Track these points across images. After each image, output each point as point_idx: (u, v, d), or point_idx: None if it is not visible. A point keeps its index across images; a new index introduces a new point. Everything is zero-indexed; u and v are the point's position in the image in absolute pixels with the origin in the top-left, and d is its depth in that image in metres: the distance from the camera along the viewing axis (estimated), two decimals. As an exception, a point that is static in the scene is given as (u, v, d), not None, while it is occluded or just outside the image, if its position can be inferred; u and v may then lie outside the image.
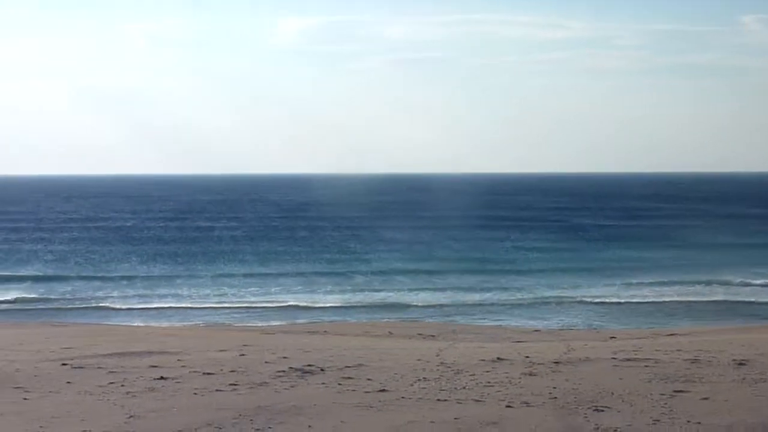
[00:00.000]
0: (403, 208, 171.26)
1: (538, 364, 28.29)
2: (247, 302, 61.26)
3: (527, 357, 29.87)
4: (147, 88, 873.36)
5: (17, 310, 57.51)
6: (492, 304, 61.78)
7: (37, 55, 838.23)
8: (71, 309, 57.81)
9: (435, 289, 66.28)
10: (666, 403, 22.23)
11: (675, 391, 23.63)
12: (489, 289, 67.26)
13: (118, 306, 59.29)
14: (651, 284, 69.84)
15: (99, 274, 73.00)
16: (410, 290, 66.28)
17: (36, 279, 69.32)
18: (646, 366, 27.52)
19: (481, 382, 25.10)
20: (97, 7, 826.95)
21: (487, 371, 26.99)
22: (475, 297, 64.30)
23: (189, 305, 60.17)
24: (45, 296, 61.78)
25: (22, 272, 72.29)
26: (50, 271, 73.80)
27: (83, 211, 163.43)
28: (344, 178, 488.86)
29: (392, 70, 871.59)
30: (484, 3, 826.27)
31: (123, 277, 71.95)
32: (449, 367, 27.92)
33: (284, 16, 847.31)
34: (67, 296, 62.84)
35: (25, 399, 23.56)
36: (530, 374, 26.45)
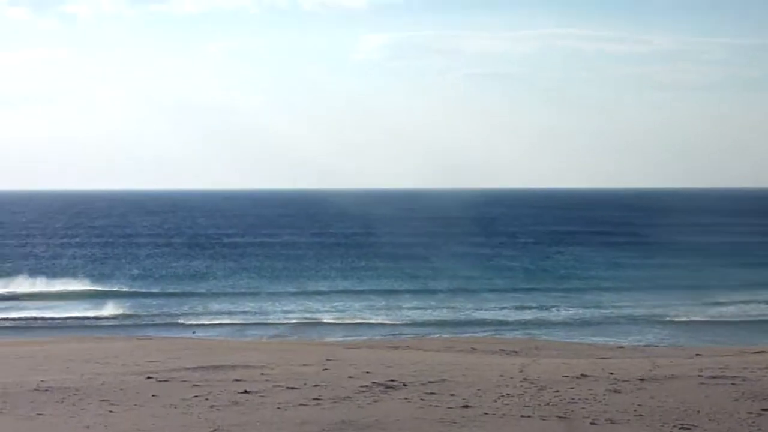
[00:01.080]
0: (481, 224, 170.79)
1: (623, 380, 28.02)
2: (329, 317, 61.40)
3: (611, 373, 29.59)
4: (229, 105, 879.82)
5: (105, 326, 58.06)
6: (575, 320, 61.36)
7: (120, 71, 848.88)
8: (157, 325, 58.25)
9: (516, 306, 65.91)
10: (754, 422, 21.89)
11: (763, 410, 23.25)
12: (571, 305, 66.82)
13: (202, 321, 59.69)
14: (737, 302, 68.93)
15: (186, 289, 73.45)
16: (492, 306, 66.03)
17: (126, 295, 69.83)
18: (734, 384, 27.13)
19: (565, 399, 24.90)
20: (180, 26, 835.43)
21: (571, 388, 26.78)
22: (558, 313, 63.91)
23: (272, 320, 60.44)
24: (134, 311, 62.27)
25: (113, 287, 72.93)
26: (139, 286, 74.42)
27: (167, 225, 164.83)
28: (426, 192, 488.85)
29: (473, 84, 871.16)
30: (564, 17, 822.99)
31: (208, 293, 72.39)
32: (533, 383, 27.75)
33: (365, 32, 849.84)
34: (154, 311, 63.37)
35: (111, 412, 23.80)
36: (615, 391, 26.20)
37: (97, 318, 60.16)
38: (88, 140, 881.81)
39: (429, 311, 64.29)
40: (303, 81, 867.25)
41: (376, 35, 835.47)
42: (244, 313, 63.20)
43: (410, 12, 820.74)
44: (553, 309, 65.44)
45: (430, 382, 27.99)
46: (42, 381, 28.38)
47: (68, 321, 59.48)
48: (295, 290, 73.93)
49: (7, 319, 59.13)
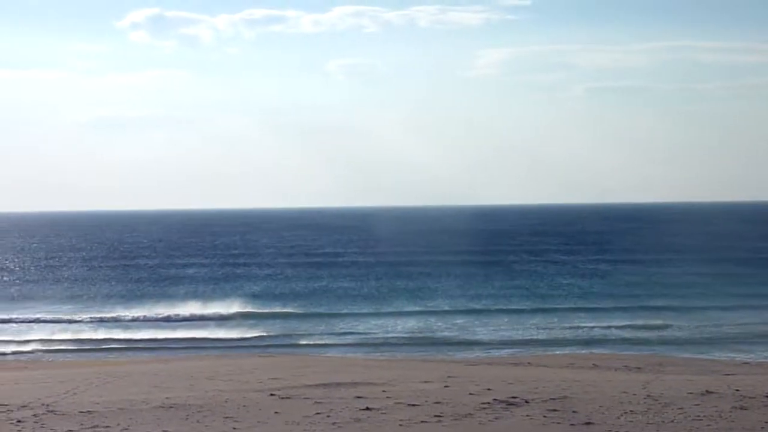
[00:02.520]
0: (602, 240, 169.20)
1: (749, 397, 27.54)
2: (449, 334, 61.29)
3: (737, 390, 29.10)
4: (346, 123, 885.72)
5: (230, 346, 58.41)
6: (698, 337, 60.42)
7: (240, 92, 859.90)
8: (280, 345, 58.41)
9: (637, 323, 65.02)
10: None
11: None
12: (695, 321, 65.80)
13: (324, 340, 59.84)
14: None
15: (308, 308, 73.55)
16: (613, 323, 65.29)
17: (250, 316, 70.00)
18: None
19: (689, 416, 24.57)
20: (298, 46, 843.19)
21: (696, 404, 26.41)
22: (682, 329, 63.00)
23: (393, 337, 60.47)
24: (258, 332, 62.40)
25: (235, 308, 73.19)
26: (260, 306, 74.71)
27: (285, 244, 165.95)
28: (545, 207, 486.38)
29: (593, 98, 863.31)
30: (685, 30, 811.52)
31: (329, 312, 72.53)
32: (656, 399, 27.42)
33: (481, 48, 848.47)
34: (275, 330, 63.55)
35: (235, 429, 24.08)
36: (741, 408, 25.77)
37: (222, 339, 60.55)
38: (209, 160, 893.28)
39: (549, 328, 63.83)
40: (420, 98, 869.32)
41: (492, 51, 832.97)
42: (366, 331, 63.33)
43: (526, 27, 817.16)
44: (677, 325, 64.52)
45: (551, 398, 27.81)
46: (167, 398, 28.82)
47: (193, 341, 60.11)
48: (415, 308, 73.88)
49: (132, 339, 59.97)
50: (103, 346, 57.60)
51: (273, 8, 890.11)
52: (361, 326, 65.70)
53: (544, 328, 64.05)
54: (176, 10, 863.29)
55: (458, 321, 67.21)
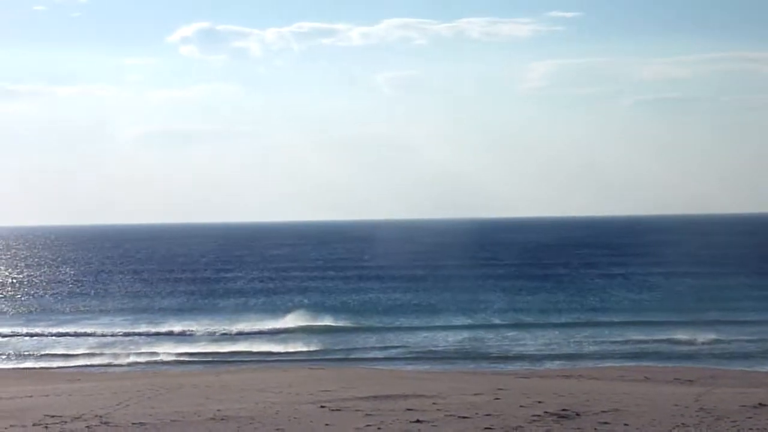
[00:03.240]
0: (652, 252, 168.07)
1: (804, 410, 27.30)
2: (498, 347, 61.06)
3: (791, 403, 28.85)
4: (396, 136, 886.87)
5: (282, 359, 58.20)
6: (751, 349, 59.90)
7: (290, 105, 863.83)
8: (334, 360, 58.06)
9: (687, 339, 64.40)
10: None
11: None
12: (747, 334, 65.23)
13: (375, 354, 59.64)
14: None
15: (361, 324, 72.70)
16: (664, 336, 64.82)
17: (301, 330, 69.28)
18: None
19: (742, 429, 24.41)
20: (347, 58, 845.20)
21: (749, 417, 26.22)
22: (734, 342, 62.49)
23: (443, 350, 60.32)
24: (310, 347, 62.02)
25: (291, 323, 72.63)
26: (311, 319, 74.11)
27: (336, 256, 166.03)
28: (594, 220, 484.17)
29: (642, 110, 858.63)
30: (734, 40, 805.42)
31: (380, 325, 72.22)
32: (709, 412, 27.25)
33: (531, 60, 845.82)
34: (328, 345, 63.27)
35: (286, 440, 24.18)
36: (795, 421, 25.55)
37: (276, 353, 60.08)
38: (261, 173, 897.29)
39: (599, 341, 63.47)
40: (468, 110, 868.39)
41: (540, 63, 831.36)
42: (416, 344, 63.16)
43: (576, 39, 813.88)
44: (727, 339, 63.96)
45: (603, 411, 27.71)
46: (218, 410, 28.98)
47: (248, 354, 59.82)
48: (465, 321, 73.67)
49: (189, 353, 59.63)
50: (157, 359, 57.64)
51: (322, 21, 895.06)
52: (411, 339, 65.56)
53: (594, 341, 63.73)
54: (226, 24, 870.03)
55: (509, 334, 67.00)
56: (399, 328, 71.09)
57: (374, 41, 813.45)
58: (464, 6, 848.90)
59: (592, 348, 61.27)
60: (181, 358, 58.09)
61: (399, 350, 61.06)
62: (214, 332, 68.73)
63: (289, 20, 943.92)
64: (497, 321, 73.74)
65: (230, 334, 68.01)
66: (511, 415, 27.16)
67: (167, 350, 60.21)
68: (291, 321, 72.75)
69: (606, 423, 25.70)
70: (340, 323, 73.08)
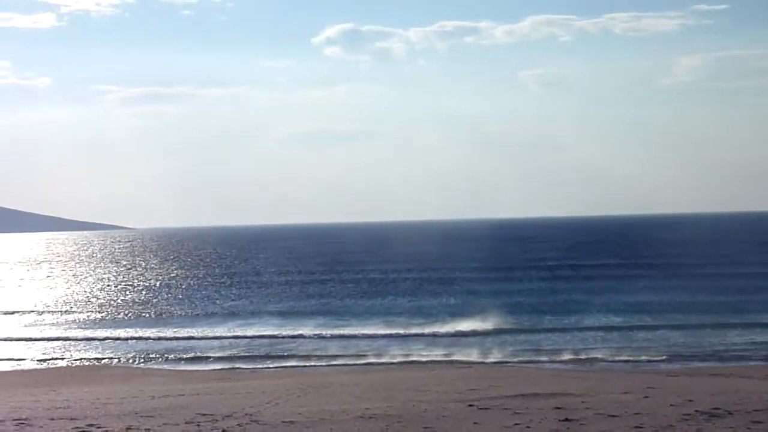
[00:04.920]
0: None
1: None
2: (647, 346, 60.18)
3: None
4: (541, 133, 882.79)
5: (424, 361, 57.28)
6: None
7: (433, 103, 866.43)
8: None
9: None
10: None
11: None
12: None
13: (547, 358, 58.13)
14: None
15: (543, 326, 70.78)
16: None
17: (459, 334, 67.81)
18: None
19: None
20: (491, 56, 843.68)
21: None
22: None
23: (590, 348, 59.61)
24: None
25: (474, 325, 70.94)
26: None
27: (509, 253, 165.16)
28: (746, 215, 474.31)
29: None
30: None
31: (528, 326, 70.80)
32: None
33: (678, 54, 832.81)
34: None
35: (435, 439, 24.21)
36: None
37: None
38: (405, 172, 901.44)
39: (751, 340, 62.16)
40: (614, 106, 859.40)
41: (689, 57, 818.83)
42: (564, 344, 62.39)
43: (724, 31, 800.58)
44: None
45: (755, 410, 27.17)
46: (366, 408, 29.18)
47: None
48: (616, 320, 72.45)
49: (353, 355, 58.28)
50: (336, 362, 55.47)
51: (465, 20, 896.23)
52: (560, 339, 64.76)
53: (746, 340, 62.45)
54: (370, 25, 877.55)
55: (659, 332, 65.99)
56: (557, 329, 69.42)
57: (518, 39, 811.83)
58: (609, 1, 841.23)
59: (744, 347, 60.03)
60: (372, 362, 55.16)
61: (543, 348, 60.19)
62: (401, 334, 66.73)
63: (432, 19, 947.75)
64: (650, 320, 72.34)
65: (427, 336, 65.83)
66: (661, 414, 26.81)
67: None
68: (481, 323, 70.90)
69: (759, 422, 25.20)
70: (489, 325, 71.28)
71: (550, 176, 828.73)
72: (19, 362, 56.41)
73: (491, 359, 54.50)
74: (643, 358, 55.25)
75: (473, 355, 55.66)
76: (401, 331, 67.85)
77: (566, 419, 26.35)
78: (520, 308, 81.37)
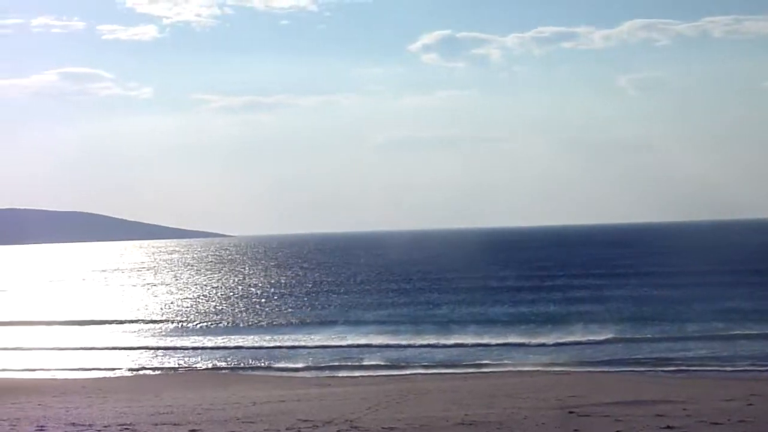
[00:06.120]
0: None
1: None
2: (749, 353, 59.18)
3: None
4: (640, 138, 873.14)
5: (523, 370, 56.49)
6: None
7: (530, 109, 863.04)
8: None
9: None
10: None
11: None
12: None
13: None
14: None
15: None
16: None
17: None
18: None
19: None
20: (588, 61, 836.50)
21: None
22: None
23: (689, 355, 58.83)
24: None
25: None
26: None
27: (625, 260, 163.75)
28: None
29: None
30: None
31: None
32: None
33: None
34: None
35: (535, 445, 24.12)
36: None
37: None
38: (504, 178, 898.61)
39: None
40: (714, 111, 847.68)
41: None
42: (666, 350, 61.52)
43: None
44: None
45: None
46: (466, 415, 29.17)
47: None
48: (719, 327, 71.11)
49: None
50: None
51: (563, 25, 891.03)
52: (661, 346, 63.83)
53: None
54: (466, 31, 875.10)
55: (762, 340, 64.83)
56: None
57: (616, 43, 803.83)
58: (707, 4, 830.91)
59: None
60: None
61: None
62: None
63: (529, 25, 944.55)
64: (752, 327, 70.98)
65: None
66: (765, 422, 26.43)
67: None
68: (580, 330, 69.51)
69: None
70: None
71: (648, 181, 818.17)
72: (121, 370, 57.27)
73: (589, 366, 54.06)
74: (746, 365, 54.42)
75: (571, 362, 55.29)
76: (499, 341, 67.41)
77: (668, 427, 26.10)
78: (620, 314, 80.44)
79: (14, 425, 29.59)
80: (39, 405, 34.91)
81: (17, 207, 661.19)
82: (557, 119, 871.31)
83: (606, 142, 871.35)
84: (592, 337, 67.27)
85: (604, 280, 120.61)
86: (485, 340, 67.14)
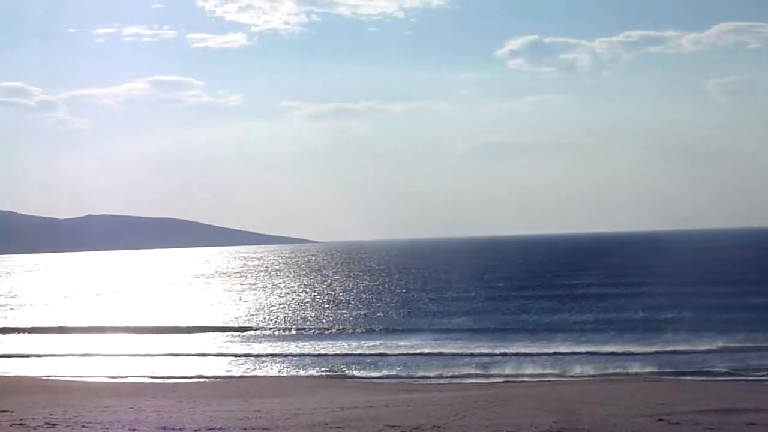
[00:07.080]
0: None
1: None
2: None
3: None
4: (730, 143, 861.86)
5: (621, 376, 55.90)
6: None
7: (618, 114, 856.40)
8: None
9: None
10: None
11: None
12: None
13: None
14: None
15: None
16: None
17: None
18: None
19: None
20: (677, 65, 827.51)
21: None
22: None
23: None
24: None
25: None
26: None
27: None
28: None
29: None
30: None
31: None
32: None
33: None
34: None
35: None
36: None
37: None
38: (591, 183, 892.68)
39: None
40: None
41: None
42: (760, 358, 60.38)
43: None
44: None
45: None
46: (554, 422, 29.02)
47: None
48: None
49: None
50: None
51: (651, 29, 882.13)
52: (755, 354, 62.58)
53: None
54: (554, 36, 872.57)
55: None
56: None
57: (705, 47, 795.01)
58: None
59: None
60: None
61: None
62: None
63: (617, 30, 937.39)
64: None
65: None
66: None
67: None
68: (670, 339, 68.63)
69: None
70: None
71: (735, 187, 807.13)
72: (211, 375, 57.83)
73: (679, 374, 53.43)
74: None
75: (661, 369, 54.66)
76: (586, 349, 66.79)
77: (759, 436, 25.76)
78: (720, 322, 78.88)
79: (107, 428, 30.00)
80: (131, 408, 35.34)
81: (109, 213, 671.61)
82: (645, 124, 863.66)
83: (695, 148, 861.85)
84: (690, 347, 65.90)
85: (689, 288, 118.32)
86: (572, 348, 66.62)
